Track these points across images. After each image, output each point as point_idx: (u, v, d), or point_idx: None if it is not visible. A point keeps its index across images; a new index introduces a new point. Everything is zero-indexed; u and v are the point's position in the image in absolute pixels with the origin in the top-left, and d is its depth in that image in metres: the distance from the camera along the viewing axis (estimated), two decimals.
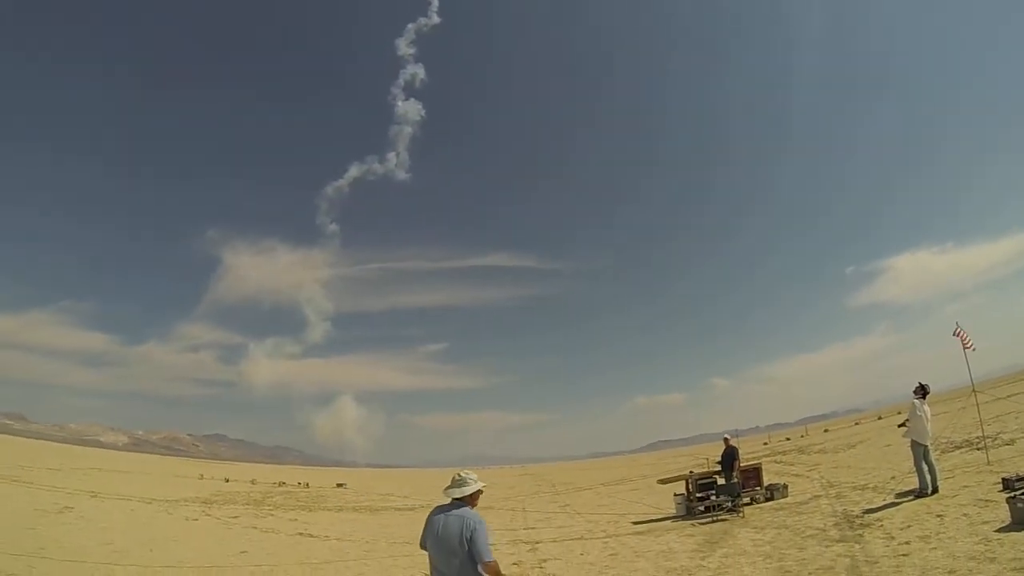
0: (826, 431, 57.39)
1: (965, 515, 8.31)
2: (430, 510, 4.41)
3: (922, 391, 10.91)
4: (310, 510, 21.60)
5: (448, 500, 4.33)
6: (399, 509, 23.00)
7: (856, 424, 56.35)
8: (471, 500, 4.35)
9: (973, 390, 13.95)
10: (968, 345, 12.41)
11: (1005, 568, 5.91)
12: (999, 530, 7.21)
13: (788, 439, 54.69)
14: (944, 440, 16.30)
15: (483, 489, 4.43)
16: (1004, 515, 7.53)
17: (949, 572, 6.20)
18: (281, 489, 31.95)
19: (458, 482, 4.34)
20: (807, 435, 57.05)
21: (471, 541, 4.04)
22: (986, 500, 8.85)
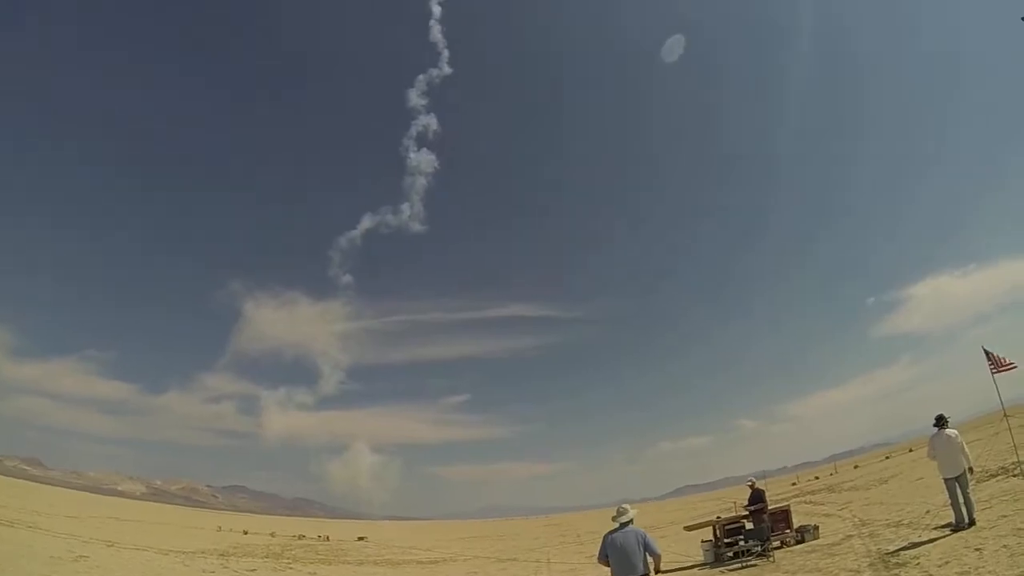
0: (856, 467, 55.44)
1: (1005, 547, 7.93)
2: (605, 533, 6.42)
3: (939, 422, 10.44)
4: (330, 563, 21.19)
5: (617, 525, 6.38)
6: (421, 563, 22.44)
7: (886, 458, 54.38)
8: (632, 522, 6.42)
9: (1004, 415, 13.55)
10: (1006, 365, 11.85)
11: None
12: None
13: (817, 478, 53.05)
14: (979, 469, 15.70)
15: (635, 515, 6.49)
16: None
17: None
18: (301, 542, 31.41)
19: (622, 512, 6.46)
20: (836, 472, 55.25)
21: (645, 544, 6.17)
22: None
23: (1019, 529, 8.60)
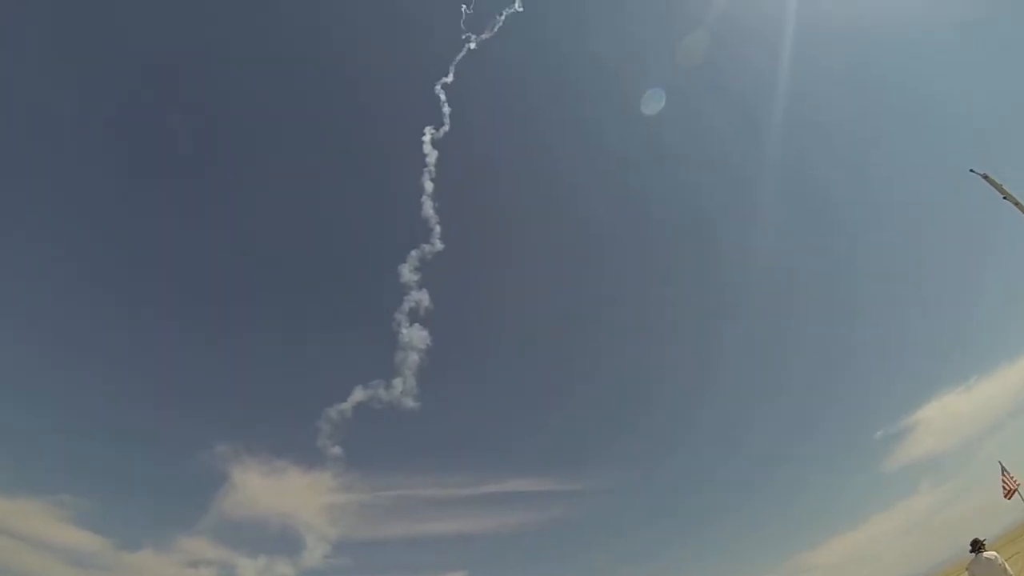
0: None
1: None
2: None
3: (975, 546, 10.22)
4: None
5: None
6: None
7: None
8: None
9: None
10: (1014, 485, 12.65)
11: None
12: None
13: None
14: None
15: None
16: None
17: None
18: None
19: None
20: None
21: None
22: None
23: None
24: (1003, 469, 12.80)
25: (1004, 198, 11.38)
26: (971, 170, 12.70)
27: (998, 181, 10.00)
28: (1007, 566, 10.07)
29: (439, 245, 63.60)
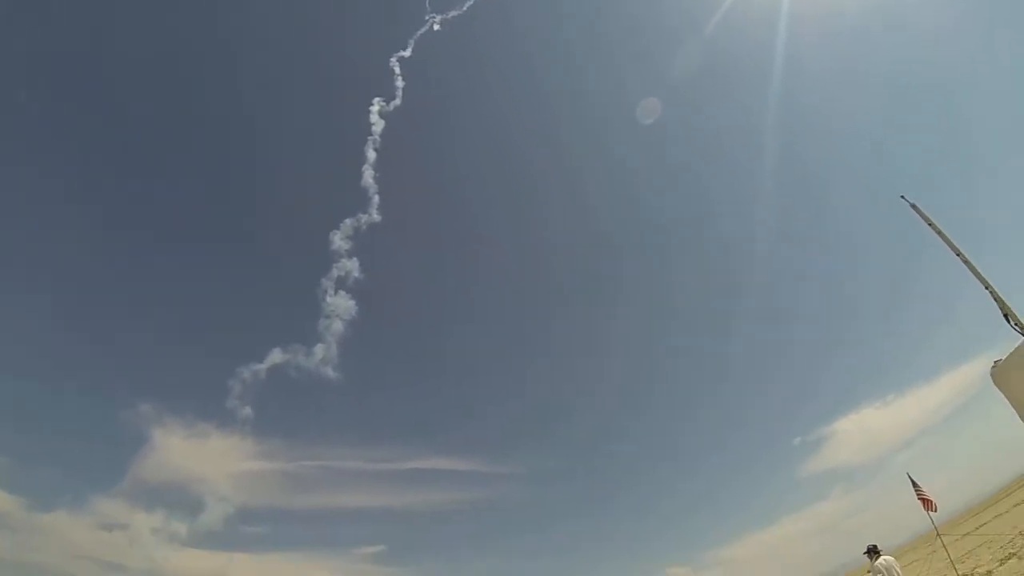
0: None
1: None
2: None
3: (871, 551, 11.30)
4: None
5: None
6: None
7: None
8: None
9: (937, 534, 15.03)
10: (925, 497, 13.49)
11: None
12: None
13: None
14: None
15: None
16: None
17: None
18: None
19: None
20: None
21: None
22: None
23: None
24: (913, 482, 13.65)
25: (929, 225, 11.82)
26: (902, 196, 13.10)
27: (925, 212, 10.41)
28: (899, 570, 11.02)
29: (376, 216, 62.20)
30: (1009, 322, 8.72)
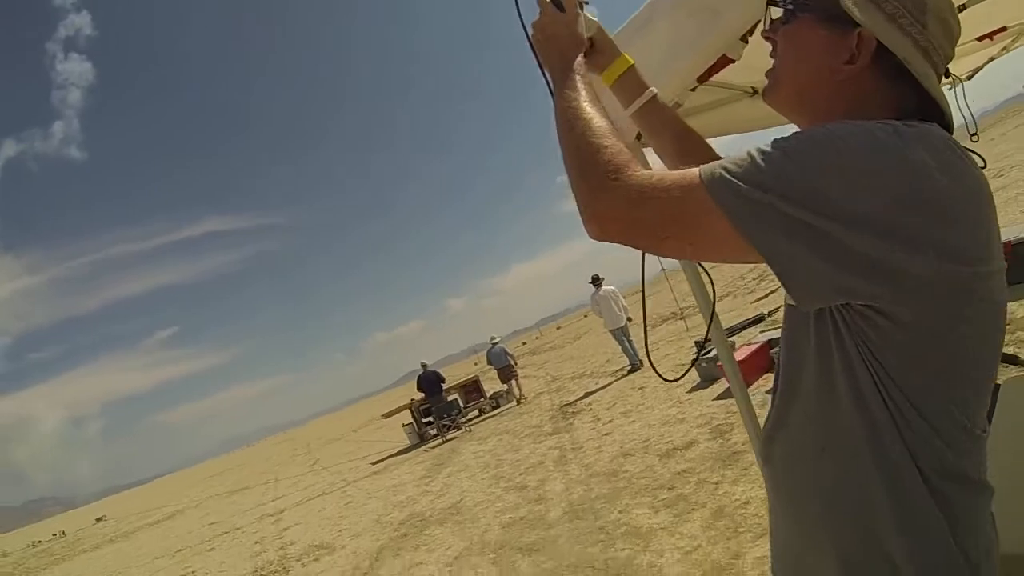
0: (558, 328, 63.74)
1: (663, 383, 8.33)
2: None
3: (595, 281, 11.31)
4: (66, 559, 18.80)
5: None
6: (159, 522, 19.66)
7: (585, 316, 60.88)
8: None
9: (666, 276, 15.14)
10: None
11: (692, 426, 5.88)
12: (690, 391, 7.20)
13: (524, 343, 57.39)
14: (654, 315, 18.08)
15: None
16: (695, 376, 7.54)
17: (644, 441, 6.13)
18: (36, 549, 27.67)
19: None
20: (541, 336, 62.55)
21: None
22: (683, 365, 9.12)
23: (678, 365, 9.29)
24: None
25: None
26: None
27: None
28: (621, 299, 11.18)
29: None
30: None
